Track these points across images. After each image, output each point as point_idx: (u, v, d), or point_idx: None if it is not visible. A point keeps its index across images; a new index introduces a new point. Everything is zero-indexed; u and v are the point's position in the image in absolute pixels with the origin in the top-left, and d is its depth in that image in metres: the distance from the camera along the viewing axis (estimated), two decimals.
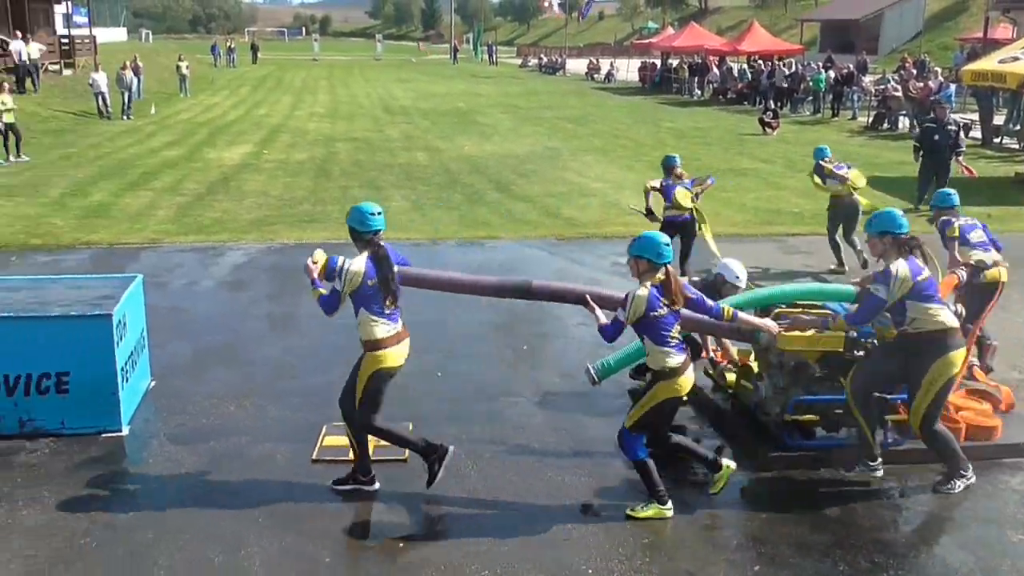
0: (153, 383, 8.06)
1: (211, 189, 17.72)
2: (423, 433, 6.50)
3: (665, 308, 5.79)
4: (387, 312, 6.16)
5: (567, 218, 15.22)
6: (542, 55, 75.98)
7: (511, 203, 16.63)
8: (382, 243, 6.24)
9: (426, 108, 35.79)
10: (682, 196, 10.88)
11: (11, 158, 20.20)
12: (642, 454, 5.98)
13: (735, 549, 5.68)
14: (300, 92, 44.45)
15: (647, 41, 57.39)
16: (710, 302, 6.09)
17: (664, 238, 5.89)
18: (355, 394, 6.14)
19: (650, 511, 5.98)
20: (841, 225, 12.12)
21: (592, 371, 7.10)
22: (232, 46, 69.34)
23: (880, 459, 6.47)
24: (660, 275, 5.81)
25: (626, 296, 5.88)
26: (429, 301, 10.55)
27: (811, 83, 33.75)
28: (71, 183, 17.87)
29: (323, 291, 6.18)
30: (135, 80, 31.28)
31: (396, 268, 6.22)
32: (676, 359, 5.80)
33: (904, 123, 28.24)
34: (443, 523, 5.91)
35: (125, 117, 30.17)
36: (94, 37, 42.72)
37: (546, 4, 75.05)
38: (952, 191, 8.87)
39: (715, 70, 41.99)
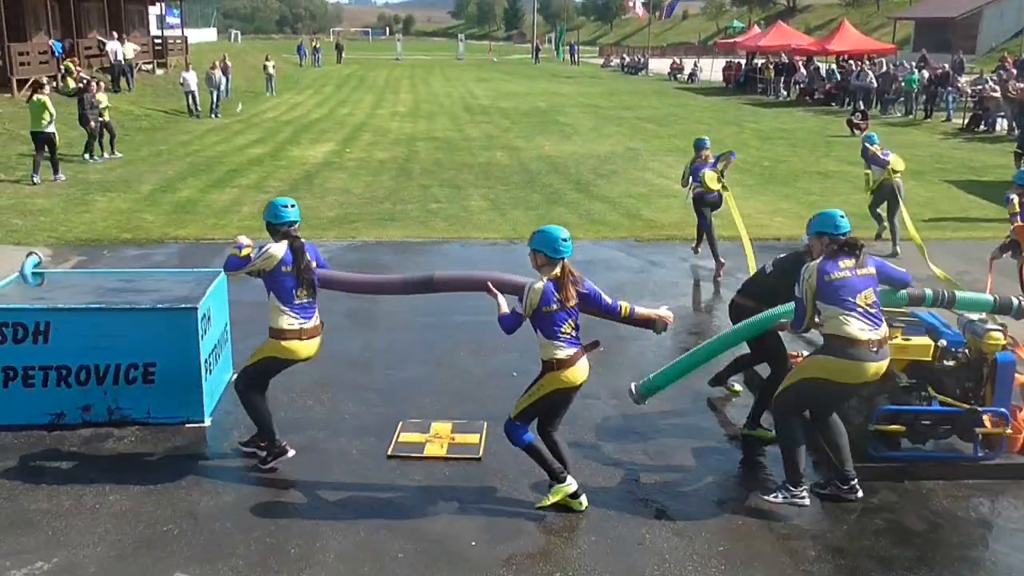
0: (235, 376, 8.21)
1: (294, 186, 18.03)
2: (498, 431, 6.50)
3: (557, 304, 5.85)
4: (297, 303, 6.33)
5: (647, 219, 15.10)
6: (624, 55, 75.61)
7: (590, 203, 16.56)
8: (298, 236, 6.43)
9: (506, 107, 35.88)
10: (710, 178, 11.63)
11: (105, 155, 20.84)
12: (528, 438, 6.01)
13: (813, 561, 5.55)
14: (382, 91, 44.97)
15: (732, 40, 56.57)
16: (607, 299, 6.12)
17: (563, 233, 5.94)
18: (249, 360, 6.51)
19: (555, 496, 5.96)
20: (887, 203, 13.35)
21: (634, 390, 6.98)
22: (317, 46, 70.43)
23: (805, 487, 5.98)
24: (557, 271, 5.87)
25: (524, 288, 5.95)
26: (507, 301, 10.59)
27: (903, 83, 32.89)
28: (161, 179, 18.37)
29: (237, 252, 6.45)
30: (224, 79, 32.01)
31: (313, 264, 6.46)
32: (565, 352, 5.86)
33: (1002, 125, 27.31)
34: (515, 523, 5.90)
35: (213, 115, 30.91)
36: (186, 38, 43.90)
37: (630, 4, 74.37)
38: None
39: (802, 70, 41.21)
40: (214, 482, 6.37)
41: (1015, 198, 9.98)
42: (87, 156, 20.59)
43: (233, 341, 8.33)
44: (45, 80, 21.20)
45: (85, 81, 22.11)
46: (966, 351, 6.67)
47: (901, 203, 13.00)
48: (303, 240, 6.48)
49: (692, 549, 5.61)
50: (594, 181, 18.88)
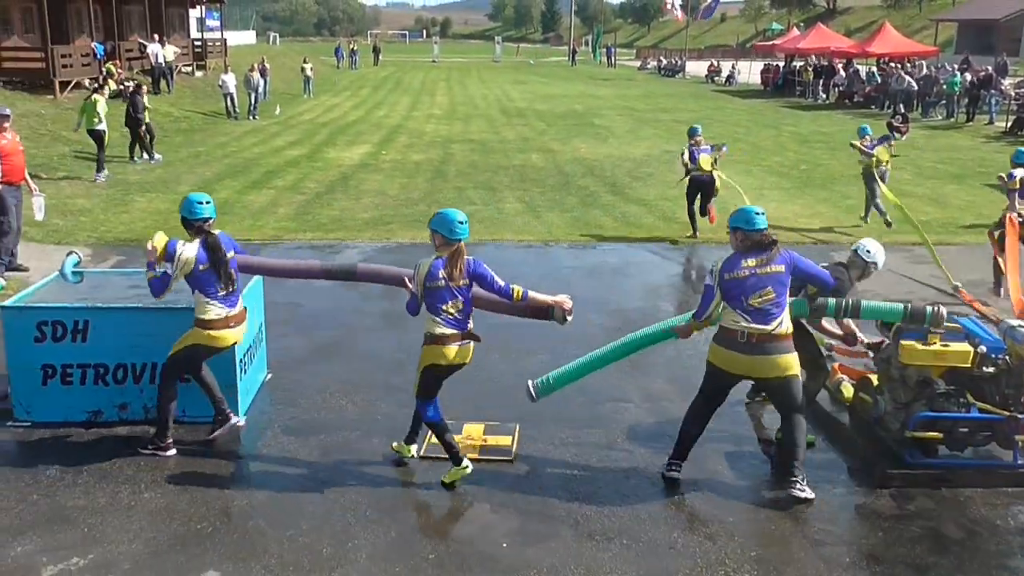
0: (269, 376, 8.28)
1: (330, 188, 18.15)
2: (530, 433, 6.49)
3: (443, 281, 6.10)
4: (222, 294, 6.60)
5: (683, 222, 14.99)
6: (661, 57, 75.30)
7: (625, 206, 16.51)
8: (213, 231, 6.68)
9: (542, 110, 35.88)
10: (705, 161, 13.72)
11: (144, 156, 21.08)
12: (432, 416, 6.34)
13: (847, 567, 5.48)
14: (419, 94, 45.13)
15: (771, 43, 56.11)
16: (500, 281, 6.34)
17: (460, 216, 6.27)
18: (173, 347, 6.68)
19: (453, 474, 6.29)
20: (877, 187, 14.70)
21: (532, 389, 6.95)
22: (355, 48, 70.85)
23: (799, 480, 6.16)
24: (452, 251, 6.16)
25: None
26: None
27: (944, 86, 32.46)
28: (199, 180, 18.56)
29: (155, 274, 6.55)
30: (262, 82, 32.30)
31: (231, 254, 6.70)
32: (441, 329, 6.12)
33: None
34: (547, 525, 5.88)
35: (251, 117, 31.19)
36: (225, 40, 44.33)
37: (668, 6, 74.09)
38: None
39: (841, 73, 40.82)
40: (248, 481, 6.43)
41: (1018, 174, 11.20)
42: (145, 156, 21.01)
43: (268, 341, 8.37)
44: (102, 82, 21.61)
45: (135, 84, 22.44)
46: (1006, 357, 6.55)
47: (881, 185, 14.60)
48: (217, 233, 6.71)
49: (724, 554, 5.57)
50: (630, 184, 18.82)
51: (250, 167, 20.72)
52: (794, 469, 6.17)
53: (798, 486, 6.12)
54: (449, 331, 6.14)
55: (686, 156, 13.96)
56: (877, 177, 14.63)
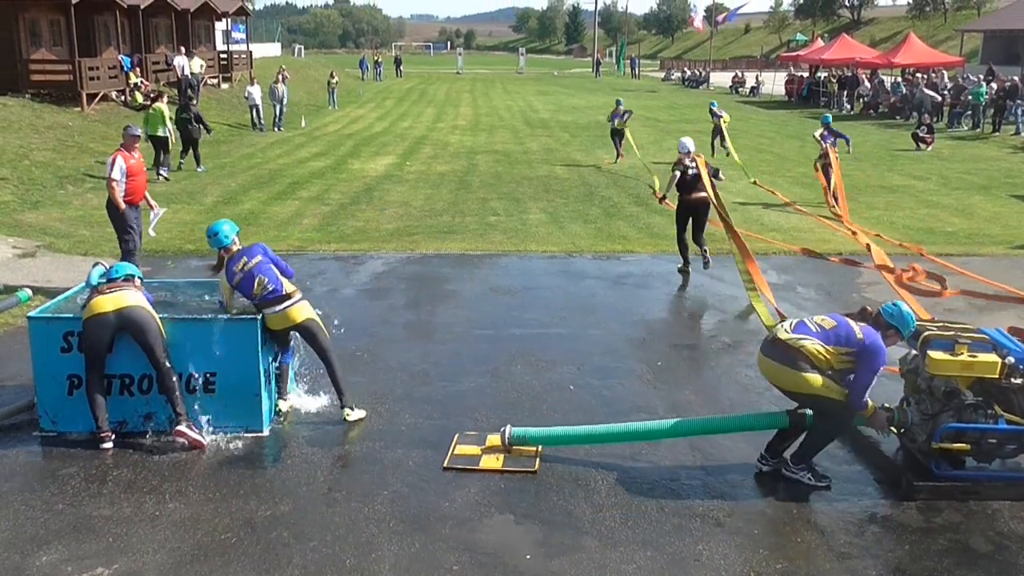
0: (295, 387, 8.29)
1: (355, 199, 18.21)
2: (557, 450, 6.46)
3: (240, 275, 7.32)
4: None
5: (708, 233, 14.91)
6: (685, 68, 75.22)
7: (649, 217, 16.46)
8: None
9: (566, 121, 35.91)
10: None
11: (168, 167, 21.13)
12: (285, 359, 7.80)
13: None
14: (443, 105, 45.28)
15: (795, 54, 55.92)
16: (282, 262, 7.61)
17: (212, 229, 7.62)
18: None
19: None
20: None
21: (506, 434, 6.92)
22: (379, 60, 71.33)
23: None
24: (229, 254, 7.45)
25: None
26: (563, 315, 10.58)
27: (970, 96, 32.21)
28: (224, 192, 18.69)
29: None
30: (285, 92, 32.45)
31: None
32: (268, 308, 7.32)
33: None
34: (570, 537, 5.85)
35: (276, 129, 31.37)
36: (250, 52, 44.68)
37: (693, 16, 74.21)
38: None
39: (866, 83, 40.61)
40: (272, 491, 6.42)
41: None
42: (198, 167, 21.23)
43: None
44: (154, 94, 22.02)
45: (188, 97, 22.87)
46: None
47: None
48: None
49: (750, 566, 5.52)
50: (653, 195, 18.75)
51: (275, 178, 20.84)
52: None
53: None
54: (272, 304, 7.28)
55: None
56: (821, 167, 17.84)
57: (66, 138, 22.73)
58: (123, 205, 11.18)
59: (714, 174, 12.50)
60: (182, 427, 7.02)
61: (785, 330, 6.39)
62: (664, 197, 13.15)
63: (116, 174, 11.09)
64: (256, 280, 7.30)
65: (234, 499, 6.27)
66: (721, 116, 24.83)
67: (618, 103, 24.38)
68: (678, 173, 12.25)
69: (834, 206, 16.63)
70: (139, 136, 11.60)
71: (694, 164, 12.14)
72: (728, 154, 23.35)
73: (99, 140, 23.68)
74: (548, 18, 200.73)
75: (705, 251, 12.41)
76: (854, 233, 13.80)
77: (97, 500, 6.23)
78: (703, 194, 12.05)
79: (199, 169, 21.18)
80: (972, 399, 6.48)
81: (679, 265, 12.57)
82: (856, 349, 6.16)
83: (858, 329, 6.22)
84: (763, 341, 6.61)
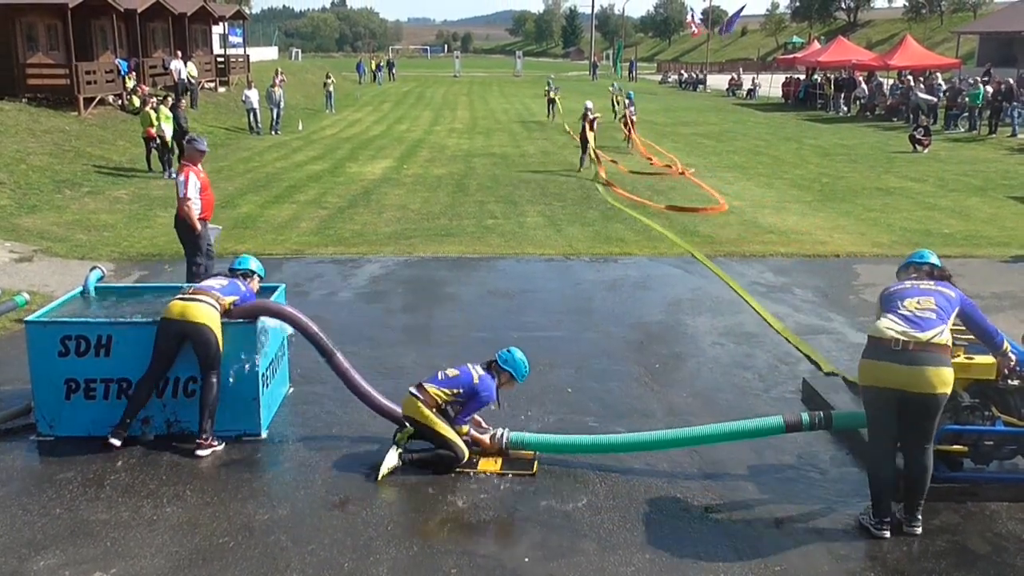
0: (292, 390, 8.30)
1: (352, 202, 18.21)
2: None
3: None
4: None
5: (705, 236, 14.96)
6: (682, 71, 75.34)
7: (647, 219, 16.46)
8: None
9: (563, 124, 35.90)
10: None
11: (168, 172, 21.15)
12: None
13: None
14: (440, 108, 45.30)
15: (792, 56, 55.96)
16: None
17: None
18: None
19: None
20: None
21: (504, 436, 6.95)
22: (379, 64, 71.45)
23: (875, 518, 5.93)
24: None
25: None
26: (560, 318, 10.58)
27: (967, 98, 32.25)
28: (222, 195, 18.63)
29: None
30: (282, 96, 32.44)
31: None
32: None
33: None
34: (568, 539, 5.84)
35: (274, 132, 31.37)
36: (247, 56, 44.69)
37: (689, 20, 74.40)
38: None
39: (863, 85, 40.66)
40: (269, 495, 6.42)
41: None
42: (169, 172, 21.06)
43: (290, 356, 8.39)
44: (146, 95, 22.12)
45: (173, 99, 22.94)
46: None
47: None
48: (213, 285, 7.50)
49: (748, 567, 5.51)
50: (651, 197, 18.77)
51: (272, 182, 20.84)
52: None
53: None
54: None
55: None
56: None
57: (63, 142, 22.73)
58: (199, 225, 10.42)
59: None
60: (203, 444, 7.04)
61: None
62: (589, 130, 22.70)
63: (191, 191, 10.26)
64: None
65: (232, 503, 6.26)
66: (633, 109, 29.18)
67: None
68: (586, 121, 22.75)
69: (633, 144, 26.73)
70: (205, 150, 10.73)
71: (593, 116, 22.85)
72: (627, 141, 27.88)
73: (96, 144, 23.69)
74: (545, 21, 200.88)
75: (582, 158, 22.91)
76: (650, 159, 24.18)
77: (94, 504, 6.22)
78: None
79: (170, 174, 20.98)
80: (969, 401, 6.47)
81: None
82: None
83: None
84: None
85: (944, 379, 5.65)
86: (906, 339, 5.68)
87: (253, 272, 7.76)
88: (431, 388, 6.79)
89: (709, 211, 16.94)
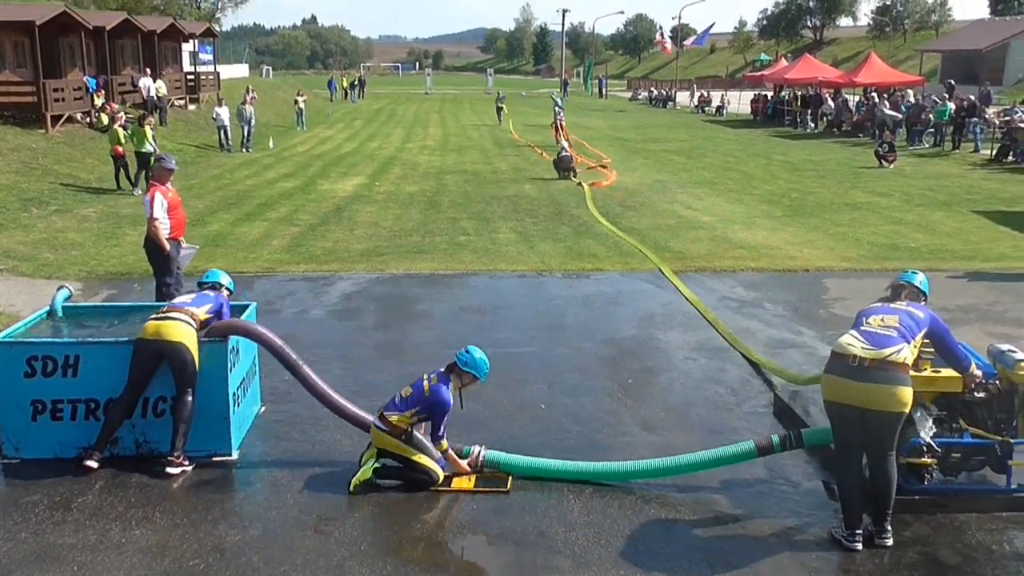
0: (263, 409, 8.23)
1: (324, 220, 18.15)
2: None
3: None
4: None
5: (676, 251, 15.03)
6: (652, 88, 75.86)
7: (621, 234, 16.50)
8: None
9: (535, 141, 36.00)
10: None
11: (137, 190, 20.98)
12: None
13: None
14: (412, 125, 45.32)
15: (760, 73, 56.55)
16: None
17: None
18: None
19: None
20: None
21: (480, 454, 6.96)
22: (352, 82, 71.47)
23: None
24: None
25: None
26: (533, 334, 10.58)
27: (933, 114, 32.66)
28: (192, 213, 18.43)
29: None
30: (253, 113, 32.33)
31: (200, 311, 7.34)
32: None
33: None
34: (543, 557, 5.82)
35: (244, 150, 31.23)
36: (218, 74, 44.54)
37: (658, 39, 75.09)
38: None
39: (830, 102, 41.13)
40: (241, 516, 6.36)
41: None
42: (138, 190, 20.86)
43: (261, 374, 8.33)
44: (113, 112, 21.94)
45: (140, 116, 22.84)
46: (997, 382, 6.54)
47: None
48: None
49: None
50: (623, 213, 18.85)
51: (243, 199, 20.73)
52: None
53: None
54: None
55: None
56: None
57: (30, 160, 22.50)
58: (167, 246, 10.30)
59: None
60: (173, 462, 6.97)
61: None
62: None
63: (158, 212, 10.17)
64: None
65: (202, 524, 6.19)
66: (562, 115, 34.93)
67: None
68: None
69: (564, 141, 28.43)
70: (174, 169, 10.63)
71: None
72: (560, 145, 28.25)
73: (64, 162, 23.49)
74: (516, 39, 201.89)
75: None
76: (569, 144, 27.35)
77: (61, 528, 6.13)
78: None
79: (136, 191, 20.90)
80: (937, 413, 6.53)
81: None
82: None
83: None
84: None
85: (900, 398, 5.72)
86: (863, 356, 5.76)
87: (222, 285, 7.72)
88: (392, 417, 6.73)
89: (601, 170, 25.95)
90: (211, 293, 7.57)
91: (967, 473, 6.62)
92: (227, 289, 7.79)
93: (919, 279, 6.75)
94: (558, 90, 54.14)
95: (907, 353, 5.82)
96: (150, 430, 7.19)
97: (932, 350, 6.50)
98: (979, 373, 6.43)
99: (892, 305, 6.23)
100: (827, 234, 16.56)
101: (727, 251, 15.02)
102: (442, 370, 6.87)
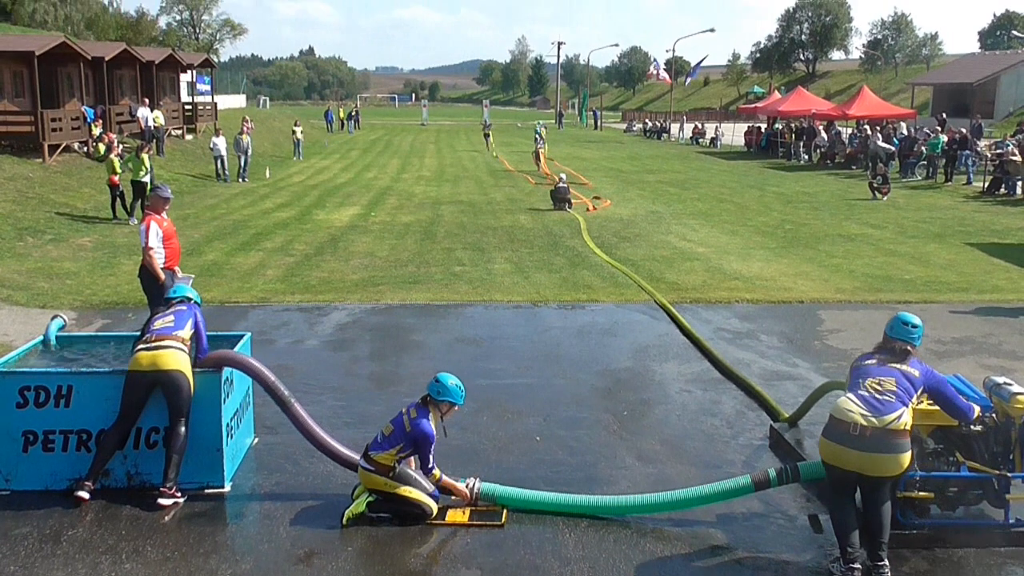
0: (256, 440, 8.18)
1: (319, 250, 18.14)
2: None
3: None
4: None
5: (670, 282, 15.03)
6: (647, 120, 76.24)
7: (613, 267, 16.51)
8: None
9: (530, 171, 36.12)
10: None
11: (134, 219, 20.97)
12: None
13: None
14: (408, 156, 45.47)
15: (753, 106, 56.98)
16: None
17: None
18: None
19: None
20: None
21: (475, 486, 6.92)
22: (352, 113, 71.78)
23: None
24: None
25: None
26: (529, 365, 10.55)
27: (926, 147, 32.86)
28: (187, 243, 18.49)
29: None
30: (250, 143, 32.36)
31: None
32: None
33: (1022, 188, 27.32)
34: None
35: (241, 180, 31.27)
36: (215, 104, 44.71)
37: (652, 71, 75.62)
38: None
39: (823, 134, 41.37)
40: (233, 549, 6.29)
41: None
42: (134, 220, 20.82)
43: (255, 405, 8.28)
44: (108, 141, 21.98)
45: (139, 145, 22.89)
46: (993, 415, 6.51)
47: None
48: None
49: None
50: (618, 244, 18.88)
51: (239, 229, 20.73)
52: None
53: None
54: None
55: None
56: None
57: (26, 189, 22.51)
58: (163, 275, 10.24)
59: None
60: (166, 493, 6.89)
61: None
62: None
63: (153, 241, 10.14)
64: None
65: (194, 558, 6.12)
66: (541, 143, 38.98)
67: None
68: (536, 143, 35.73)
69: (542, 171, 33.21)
70: (170, 198, 10.57)
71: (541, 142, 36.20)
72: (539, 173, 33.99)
73: (60, 191, 23.49)
74: (511, 70, 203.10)
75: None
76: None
77: (51, 561, 6.06)
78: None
79: (132, 220, 20.86)
80: (933, 447, 6.50)
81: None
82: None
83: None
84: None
85: (900, 463, 5.81)
86: (864, 424, 5.77)
87: (190, 299, 7.67)
88: (377, 456, 6.67)
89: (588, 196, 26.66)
90: (184, 308, 7.49)
91: (964, 507, 6.57)
92: (195, 302, 7.71)
93: (914, 321, 6.38)
94: (541, 121, 56.71)
95: (907, 418, 5.85)
96: (142, 461, 7.13)
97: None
98: (979, 428, 6.40)
99: (889, 364, 6.14)
100: (821, 266, 16.59)
101: (722, 282, 15.03)
102: (418, 402, 6.81)
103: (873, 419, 5.76)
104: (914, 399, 5.97)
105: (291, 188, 30.11)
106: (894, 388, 5.93)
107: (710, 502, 6.78)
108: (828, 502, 6.32)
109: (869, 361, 6.20)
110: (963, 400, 6.33)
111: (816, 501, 7.03)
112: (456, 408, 6.87)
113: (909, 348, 6.22)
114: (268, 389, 7.30)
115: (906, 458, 5.81)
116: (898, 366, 6.10)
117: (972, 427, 6.43)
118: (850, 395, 5.98)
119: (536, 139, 40.29)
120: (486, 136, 52.08)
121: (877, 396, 5.89)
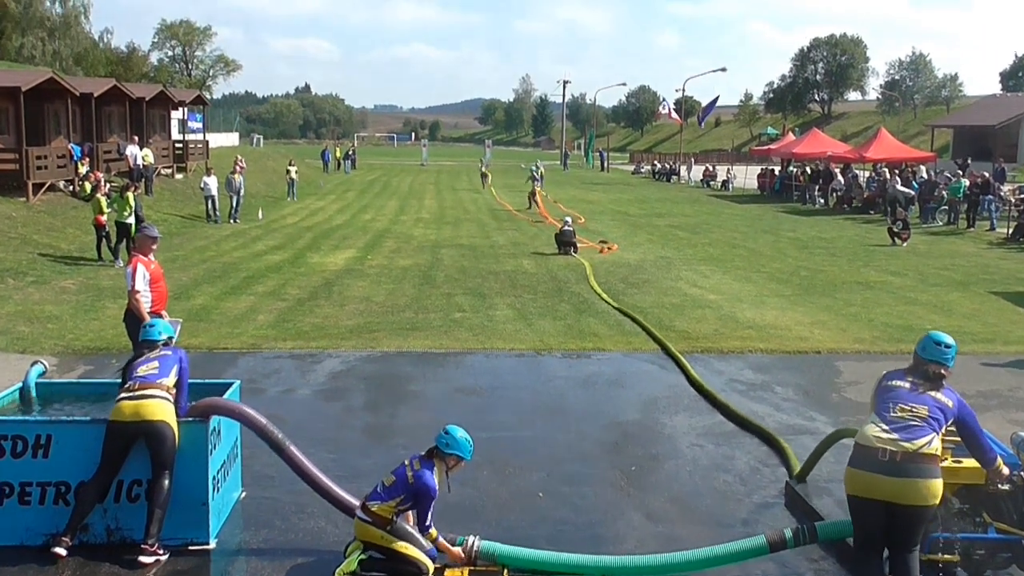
0: (244, 494, 7.85)
1: (313, 294, 17.76)
2: None
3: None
4: None
5: (680, 331, 14.63)
6: (656, 161, 76.22)
7: (621, 314, 16.15)
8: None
9: (534, 213, 35.97)
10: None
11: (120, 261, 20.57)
12: None
13: None
14: (406, 197, 45.41)
15: (767, 147, 56.82)
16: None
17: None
18: None
19: None
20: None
21: (474, 545, 6.62)
22: (349, 152, 71.69)
23: None
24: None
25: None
26: (531, 417, 10.20)
27: (947, 191, 32.49)
28: (175, 286, 17.97)
29: None
30: (242, 183, 31.94)
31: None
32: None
33: None
34: None
35: (232, 221, 30.77)
36: (207, 142, 44.39)
37: (662, 111, 75.69)
38: None
39: (840, 177, 41.08)
40: None
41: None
42: (120, 262, 20.50)
43: (243, 457, 7.94)
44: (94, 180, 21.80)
45: (126, 185, 22.67)
46: (1022, 473, 6.19)
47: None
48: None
49: None
50: (625, 291, 18.52)
51: (229, 272, 20.37)
52: None
53: None
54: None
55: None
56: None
57: (9, 229, 22.29)
58: (148, 318, 9.79)
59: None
60: (147, 550, 6.59)
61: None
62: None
63: (140, 284, 9.96)
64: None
65: None
66: (539, 182, 41.77)
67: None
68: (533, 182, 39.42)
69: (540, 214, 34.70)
70: (157, 237, 10.42)
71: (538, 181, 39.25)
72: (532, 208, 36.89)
73: (44, 232, 23.29)
74: (515, 110, 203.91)
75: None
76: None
77: None
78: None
79: (118, 263, 20.52)
80: (959, 506, 6.25)
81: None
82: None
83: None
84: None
85: (933, 491, 5.55)
86: (893, 449, 5.53)
87: (172, 338, 7.49)
88: (375, 507, 6.36)
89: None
90: (170, 353, 7.22)
91: (992, 571, 6.28)
92: (171, 337, 7.50)
93: (947, 339, 6.05)
94: (538, 161, 57.79)
95: (937, 443, 5.63)
96: (123, 516, 6.87)
97: (953, 437, 6.16)
98: (1006, 471, 6.09)
99: (920, 391, 5.84)
100: (839, 314, 16.20)
101: (734, 331, 14.64)
102: (423, 455, 6.53)
103: (904, 444, 5.54)
104: (944, 428, 5.75)
105: (285, 230, 29.84)
106: (926, 416, 5.70)
107: (723, 564, 6.51)
108: (854, 563, 6.07)
109: (900, 383, 5.91)
110: (988, 442, 6.07)
111: (835, 562, 6.65)
112: (463, 463, 6.62)
113: (943, 371, 5.92)
114: (260, 433, 7.02)
115: (938, 486, 5.56)
116: (933, 394, 5.82)
117: (1000, 486, 6.18)
118: (877, 420, 5.74)
119: (533, 179, 42.45)
120: (483, 176, 53.64)
121: (907, 422, 5.67)
